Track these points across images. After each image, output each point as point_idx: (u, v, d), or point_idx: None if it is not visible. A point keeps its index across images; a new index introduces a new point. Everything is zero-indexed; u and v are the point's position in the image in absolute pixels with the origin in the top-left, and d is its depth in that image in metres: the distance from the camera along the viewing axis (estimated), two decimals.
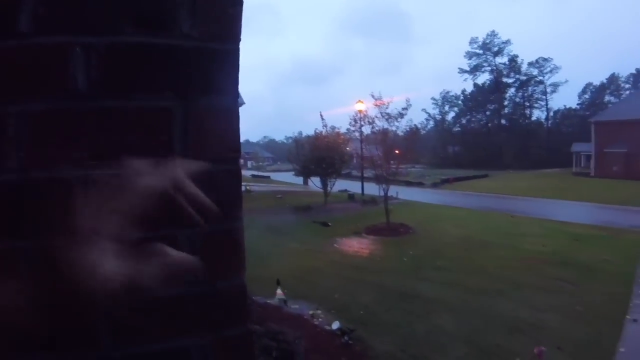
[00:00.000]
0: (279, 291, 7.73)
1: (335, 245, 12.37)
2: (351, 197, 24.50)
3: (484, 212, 21.09)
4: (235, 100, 0.67)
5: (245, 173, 46.12)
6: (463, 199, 26.95)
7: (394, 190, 18.30)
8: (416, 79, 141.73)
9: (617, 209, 23.41)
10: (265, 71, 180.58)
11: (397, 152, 17.91)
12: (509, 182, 38.76)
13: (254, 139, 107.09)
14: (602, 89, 79.47)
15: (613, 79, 78.58)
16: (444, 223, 16.95)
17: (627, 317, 7.80)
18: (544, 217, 19.64)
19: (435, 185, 38.81)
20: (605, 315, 7.84)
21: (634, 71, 76.72)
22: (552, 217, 19.58)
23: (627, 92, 66.14)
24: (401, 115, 17.26)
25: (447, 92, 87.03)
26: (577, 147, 51.95)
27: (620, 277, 10.38)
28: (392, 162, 17.28)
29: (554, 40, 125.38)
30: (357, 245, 13.17)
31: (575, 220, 18.82)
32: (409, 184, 33.57)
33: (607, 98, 75.17)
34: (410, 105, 17.73)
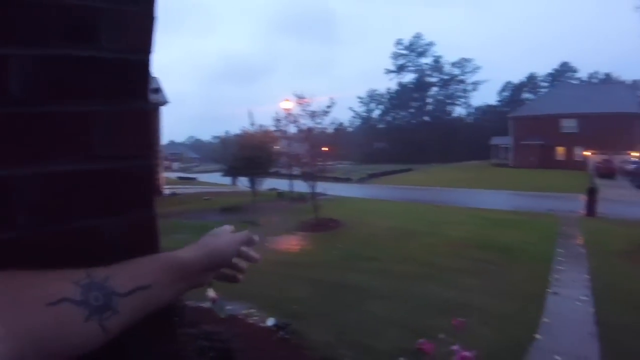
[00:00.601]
0: (211, 293, 7.44)
1: (266, 243, 12.31)
2: (280, 195, 24.40)
3: (410, 204, 22.08)
4: (148, 104, 0.77)
5: (172, 175, 44.39)
6: (389, 192, 27.95)
7: (322, 187, 18.51)
8: (345, 78, 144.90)
9: (534, 195, 25.57)
10: (194, 70, 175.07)
11: (323, 149, 18.12)
12: (432, 175, 40.75)
13: (179, 139, 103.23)
14: (520, 87, 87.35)
15: (531, 78, 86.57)
16: (372, 216, 17.46)
17: (548, 290, 8.40)
18: (467, 205, 21.01)
19: (362, 180, 39.77)
20: (528, 291, 8.40)
21: (551, 71, 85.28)
22: (474, 205, 21.01)
23: (544, 90, 72.77)
24: (325, 113, 17.46)
25: (374, 91, 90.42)
26: (496, 140, 56.32)
27: (540, 256, 11.26)
28: (318, 159, 17.42)
29: (477, 42, 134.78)
30: (288, 243, 13.25)
31: (496, 207, 20.40)
32: (336, 180, 34.08)
33: (525, 95, 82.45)
34: (335, 103, 18.07)
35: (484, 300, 7.75)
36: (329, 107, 17.58)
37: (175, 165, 71.34)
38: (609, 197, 21.89)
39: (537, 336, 6.29)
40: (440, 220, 16.42)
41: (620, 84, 61.23)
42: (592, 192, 18.35)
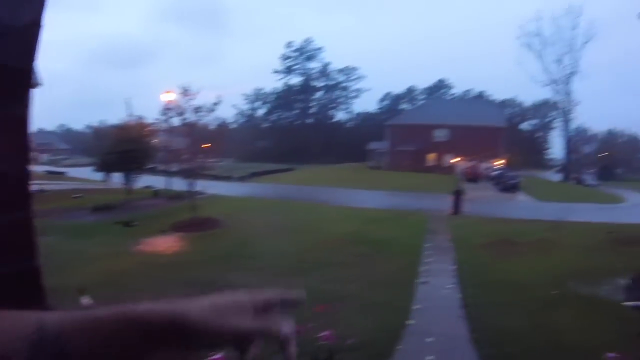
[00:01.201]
0: (84, 300, 6.68)
1: (141, 245, 11.58)
2: (156, 193, 22.98)
3: (291, 202, 22.31)
4: (26, 111, 0.79)
5: (39, 169, 39.04)
6: (270, 191, 28.04)
7: (202, 185, 17.84)
8: (231, 74, 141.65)
9: (406, 195, 27.38)
10: (71, 48, 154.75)
11: (204, 145, 17.57)
12: (313, 175, 41.80)
13: (49, 126, 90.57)
14: (400, 98, 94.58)
15: (410, 90, 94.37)
16: (251, 214, 17.49)
17: (418, 280, 8.99)
18: (344, 204, 21.91)
19: (243, 178, 39.26)
20: (400, 281, 8.93)
21: (429, 85, 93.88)
22: (351, 204, 22.02)
23: (421, 102, 79.43)
24: (211, 110, 16.89)
25: (260, 90, 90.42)
26: (374, 145, 59.86)
27: (411, 249, 12.06)
28: (199, 155, 16.80)
29: (364, 52, 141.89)
30: (164, 244, 12.64)
31: (371, 205, 21.57)
32: (217, 178, 33.57)
33: (403, 106, 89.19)
34: (221, 101, 17.62)
35: (360, 291, 8.03)
36: (215, 104, 17.08)
37: (44, 157, 63.04)
38: (473, 198, 24.32)
39: (410, 321, 6.60)
40: (319, 218, 16.93)
41: (490, 101, 69.58)
42: (458, 193, 20.15)
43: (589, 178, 55.17)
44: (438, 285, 8.70)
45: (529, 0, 70.98)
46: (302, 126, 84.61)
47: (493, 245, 12.82)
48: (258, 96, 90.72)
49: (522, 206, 27.21)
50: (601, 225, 17.49)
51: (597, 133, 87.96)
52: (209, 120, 17.66)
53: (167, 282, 8.44)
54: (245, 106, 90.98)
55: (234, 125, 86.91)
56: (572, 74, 57.50)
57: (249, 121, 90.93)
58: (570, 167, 62.16)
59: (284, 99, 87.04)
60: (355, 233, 14.04)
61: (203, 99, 17.11)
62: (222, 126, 20.48)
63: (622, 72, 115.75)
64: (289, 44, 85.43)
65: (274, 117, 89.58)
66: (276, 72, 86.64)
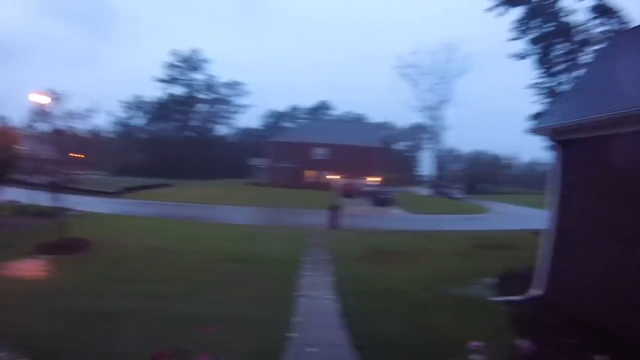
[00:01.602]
0: None
1: (2, 270, 9.82)
2: (21, 209, 19.89)
3: (167, 221, 21.06)
4: None
5: None
6: (146, 208, 26.16)
7: (72, 201, 15.91)
8: (111, 79, 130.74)
9: (285, 211, 27.46)
10: None
11: (76, 155, 15.65)
12: (191, 191, 40.18)
13: None
14: (283, 116, 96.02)
15: (294, 109, 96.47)
16: (126, 234, 16.02)
17: (298, 294, 8.96)
18: (223, 221, 21.36)
19: (117, 194, 36.35)
20: (281, 296, 8.77)
21: (311, 106, 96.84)
22: (230, 221, 21.50)
23: (303, 121, 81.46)
24: (84, 116, 15.16)
25: (140, 98, 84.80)
26: (255, 161, 59.73)
27: (289, 264, 11.96)
28: (68, 167, 14.95)
29: (250, 68, 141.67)
30: (30, 269, 10.92)
31: (250, 222, 21.30)
32: (88, 192, 30.88)
33: (286, 124, 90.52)
34: (96, 107, 15.80)
35: (240, 310, 7.77)
36: (89, 110, 15.28)
37: None
38: (350, 213, 25.15)
39: (291, 335, 6.55)
40: (196, 237, 16.21)
41: (368, 123, 74.09)
42: (335, 209, 20.68)
43: (457, 192, 60.86)
44: (318, 297, 8.78)
45: (410, 33, 77.59)
46: (183, 139, 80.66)
47: (369, 256, 13.36)
48: (138, 104, 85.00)
49: (396, 219, 28.93)
50: (468, 233, 19.20)
51: (464, 153, 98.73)
52: (82, 127, 15.83)
53: (35, 312, 7.36)
54: (123, 114, 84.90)
55: (110, 135, 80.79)
56: (443, 102, 64.46)
57: (126, 131, 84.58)
58: (440, 182, 68.33)
59: (165, 109, 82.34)
60: (234, 251, 13.70)
61: (77, 103, 15.26)
62: (96, 135, 18.47)
63: (488, 101, 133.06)
64: (174, 53, 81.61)
65: (153, 128, 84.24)
66: (159, 80, 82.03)
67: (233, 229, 18.81)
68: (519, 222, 23.52)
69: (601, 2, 28.99)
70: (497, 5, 33.01)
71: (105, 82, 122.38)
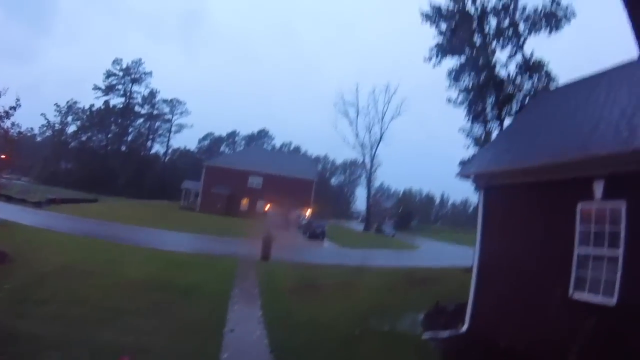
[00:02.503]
0: None
1: None
2: None
3: (91, 239, 19.94)
4: None
5: None
6: (70, 223, 24.79)
7: None
8: (46, 79, 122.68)
9: (216, 239, 26.84)
10: None
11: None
12: (119, 209, 38.43)
13: None
14: (221, 140, 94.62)
15: (232, 135, 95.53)
16: (46, 249, 15.04)
17: (226, 329, 8.67)
18: (150, 245, 20.40)
19: (40, 204, 34.14)
20: (207, 329, 8.52)
21: (251, 133, 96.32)
22: (157, 245, 20.60)
23: (241, 147, 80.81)
24: (7, 114, 14.14)
25: (75, 103, 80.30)
26: (187, 184, 58.37)
27: (218, 296, 11.64)
28: None
29: (192, 88, 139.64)
30: None
31: (179, 248, 20.62)
32: (9, 199, 29.21)
33: (223, 149, 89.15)
34: (20, 105, 14.76)
35: (163, 342, 7.43)
36: (13, 108, 14.23)
37: None
38: (282, 245, 25.02)
39: None
40: (122, 260, 15.41)
41: (305, 156, 75.20)
42: (267, 239, 20.46)
43: (388, 228, 62.47)
44: (246, 332, 8.59)
45: (352, 72, 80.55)
46: (115, 153, 76.85)
47: (299, 289, 13.36)
48: (71, 110, 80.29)
49: (328, 252, 29.19)
50: (398, 269, 19.70)
51: (397, 190, 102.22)
52: (6, 126, 14.64)
53: None
54: (54, 118, 79.74)
55: (38, 139, 75.62)
56: (378, 140, 66.99)
57: (56, 136, 79.33)
58: (372, 218, 69.98)
59: (100, 118, 78.47)
60: (160, 277, 13.14)
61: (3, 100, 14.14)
62: (22, 136, 17.04)
63: (422, 142, 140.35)
64: (116, 61, 78.51)
65: (84, 137, 79.68)
66: (96, 88, 78.36)
67: (161, 254, 18.09)
68: (448, 259, 24.51)
69: (528, 60, 31.73)
70: (433, 56, 35.61)
71: (40, 82, 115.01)
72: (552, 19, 31.35)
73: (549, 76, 30.86)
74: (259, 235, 21.46)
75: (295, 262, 20.08)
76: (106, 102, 79.32)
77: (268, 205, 51.57)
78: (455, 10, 34.98)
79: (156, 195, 64.16)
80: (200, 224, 34.25)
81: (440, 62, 35.29)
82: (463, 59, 34.98)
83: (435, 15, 35.61)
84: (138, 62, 79.65)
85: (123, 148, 79.64)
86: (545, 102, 12.93)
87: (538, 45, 34.84)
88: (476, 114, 33.86)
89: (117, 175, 68.63)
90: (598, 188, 6.49)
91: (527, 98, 29.70)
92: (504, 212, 9.26)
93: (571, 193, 7.15)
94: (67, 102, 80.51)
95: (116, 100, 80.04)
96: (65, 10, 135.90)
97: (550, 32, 31.59)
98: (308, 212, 50.99)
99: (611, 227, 6.23)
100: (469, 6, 34.69)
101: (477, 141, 33.29)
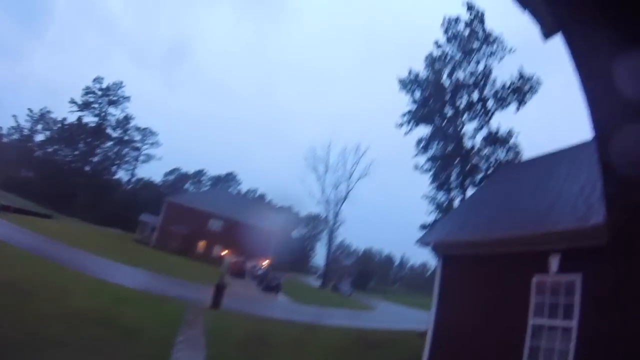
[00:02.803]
0: None
1: None
2: None
3: (39, 258, 18.80)
4: None
5: None
6: (19, 236, 23.41)
7: None
8: (26, 79, 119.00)
9: (168, 278, 25.76)
10: None
11: None
12: (73, 231, 36.76)
13: None
14: (186, 177, 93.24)
15: (199, 174, 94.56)
16: None
17: None
18: (100, 275, 19.29)
19: None
20: None
21: (219, 174, 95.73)
22: (108, 277, 19.48)
23: (206, 187, 79.87)
24: None
25: (48, 112, 78.34)
26: (146, 217, 56.71)
27: (162, 341, 10.93)
28: None
29: (164, 119, 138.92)
30: None
31: (128, 283, 19.32)
32: None
33: (188, 186, 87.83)
34: None
35: None
36: None
37: None
38: (236, 294, 24.25)
39: None
40: (68, 286, 14.54)
41: (269, 205, 74.79)
42: (220, 287, 19.67)
43: (345, 286, 61.73)
44: None
45: (324, 130, 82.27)
46: (78, 171, 74.29)
47: (248, 344, 12.74)
48: (43, 118, 77.98)
49: (282, 306, 28.38)
50: (352, 329, 19.24)
51: (358, 248, 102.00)
52: None
53: None
54: (25, 123, 77.22)
55: (4, 140, 72.68)
56: (344, 198, 67.76)
57: (22, 141, 76.28)
58: (330, 275, 69.23)
59: (70, 133, 76.34)
60: (105, 311, 12.37)
61: None
62: None
63: (386, 203, 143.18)
64: (97, 79, 77.65)
65: (51, 148, 77.05)
66: (73, 102, 76.71)
67: (110, 287, 17.15)
68: (403, 322, 24.19)
69: (495, 133, 33.31)
70: (405, 123, 37.32)
71: (19, 82, 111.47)
72: (519, 93, 33.46)
73: (514, 149, 32.42)
74: (212, 281, 20.74)
75: (247, 314, 19.37)
76: (80, 118, 77.73)
77: (225, 251, 50.41)
78: (432, 81, 36.92)
79: (112, 223, 61.74)
80: (154, 260, 33.01)
81: (411, 130, 37.02)
82: (433, 128, 36.61)
83: (411, 83, 37.47)
84: (119, 85, 79.04)
85: (87, 168, 77.39)
86: (508, 176, 13.40)
87: (505, 118, 36.91)
88: (441, 182, 34.90)
89: (77, 194, 66.04)
90: (554, 262, 6.62)
91: (491, 169, 30.90)
92: (461, 280, 9.38)
93: (527, 266, 7.28)
94: (41, 109, 78.73)
95: (90, 119, 78.58)
96: (58, 15, 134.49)
97: (518, 105, 33.70)
98: (265, 262, 50.05)
99: (566, 299, 6.36)
100: (444, 78, 36.76)
101: (440, 207, 34.04)
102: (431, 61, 37.23)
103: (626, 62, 1.07)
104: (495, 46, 34.73)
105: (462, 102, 35.97)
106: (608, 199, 1.56)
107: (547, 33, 3.77)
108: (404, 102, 37.07)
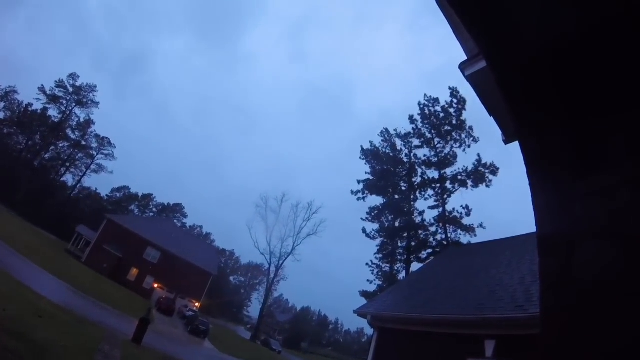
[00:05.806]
0: None
1: None
2: None
3: None
4: None
5: None
6: None
7: None
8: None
9: (92, 301, 24.22)
10: None
11: None
12: (5, 227, 33.84)
13: None
14: (133, 197, 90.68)
15: (148, 196, 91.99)
16: None
17: None
18: (18, 278, 17.63)
19: None
20: None
21: (166, 202, 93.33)
22: (26, 282, 17.82)
23: (151, 214, 77.56)
24: None
25: (14, 92, 74.70)
26: (82, 229, 54.05)
27: None
28: None
29: (125, 138, 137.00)
30: None
31: (51, 295, 17.95)
32: None
33: (133, 208, 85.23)
34: None
35: None
36: None
37: None
38: (160, 331, 23.20)
39: None
40: None
41: (211, 245, 73.35)
42: (144, 322, 18.54)
43: (276, 343, 59.99)
44: None
45: (277, 183, 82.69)
46: (27, 162, 69.93)
47: None
48: (7, 97, 73.41)
49: (206, 354, 27.24)
50: None
51: (295, 306, 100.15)
52: None
53: None
54: None
55: None
56: (289, 253, 65.74)
57: None
58: (262, 328, 67.11)
59: (30, 120, 72.51)
60: (19, 322, 11.37)
61: None
62: None
63: (329, 264, 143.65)
64: (72, 75, 75.01)
65: (5, 130, 72.08)
66: (42, 91, 73.47)
67: (29, 295, 15.78)
68: None
69: (449, 213, 34.56)
70: (360, 191, 38.78)
71: None
72: (476, 177, 35.23)
73: (465, 229, 33.59)
74: (139, 313, 19.84)
75: (168, 356, 18.40)
76: (44, 109, 74.74)
77: (158, 284, 48.49)
78: (391, 155, 38.60)
79: (47, 226, 58.00)
80: (83, 277, 31.14)
81: (365, 198, 38.37)
82: (386, 200, 38.03)
83: (372, 154, 39.13)
84: (92, 88, 76.98)
85: (36, 163, 73.51)
86: (453, 257, 13.92)
87: (457, 198, 38.52)
88: (387, 253, 35.64)
89: (19, 187, 61.95)
90: (489, 347, 6.86)
91: (438, 248, 31.83)
92: (397, 354, 9.49)
93: (462, 348, 7.47)
94: (8, 86, 74.88)
95: (53, 112, 75.67)
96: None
97: (475, 185, 35.41)
98: (197, 304, 48.39)
99: None
100: (403, 155, 38.59)
101: (382, 276, 34.53)
102: (392, 136, 39.28)
103: (578, 187, 1.25)
104: (463, 134, 36.80)
105: (418, 179, 37.60)
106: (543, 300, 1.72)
107: (507, 140, 4.21)
108: (363, 169, 38.42)
